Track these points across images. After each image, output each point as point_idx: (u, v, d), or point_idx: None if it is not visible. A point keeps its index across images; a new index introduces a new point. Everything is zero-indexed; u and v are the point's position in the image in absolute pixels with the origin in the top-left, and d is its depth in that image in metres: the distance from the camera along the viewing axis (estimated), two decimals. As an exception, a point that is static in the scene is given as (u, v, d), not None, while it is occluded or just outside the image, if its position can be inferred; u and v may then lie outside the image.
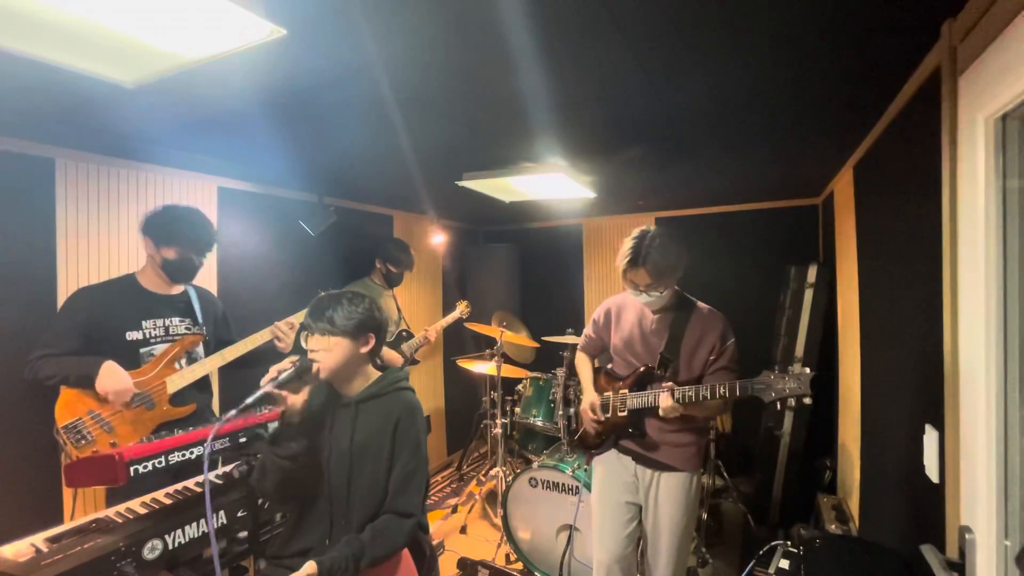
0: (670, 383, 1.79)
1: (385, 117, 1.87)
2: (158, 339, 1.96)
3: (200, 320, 2.09)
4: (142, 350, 1.92)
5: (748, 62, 1.48)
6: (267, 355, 2.20)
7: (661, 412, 1.77)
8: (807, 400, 1.58)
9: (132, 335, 1.91)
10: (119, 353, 1.83)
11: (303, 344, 1.55)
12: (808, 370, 1.60)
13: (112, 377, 1.76)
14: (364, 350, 1.54)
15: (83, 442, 1.72)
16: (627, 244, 1.80)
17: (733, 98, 1.77)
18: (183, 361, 2.00)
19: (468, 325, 3.66)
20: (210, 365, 2.02)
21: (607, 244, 4.57)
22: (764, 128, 2.11)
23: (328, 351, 1.49)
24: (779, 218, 3.90)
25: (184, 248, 1.97)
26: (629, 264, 1.78)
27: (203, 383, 2.07)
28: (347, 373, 1.55)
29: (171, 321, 2.01)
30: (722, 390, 1.68)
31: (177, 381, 1.94)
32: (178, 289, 2.08)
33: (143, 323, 1.94)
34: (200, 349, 2.08)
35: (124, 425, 1.81)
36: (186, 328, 2.05)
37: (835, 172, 2.92)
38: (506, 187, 2.77)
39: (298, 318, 2.22)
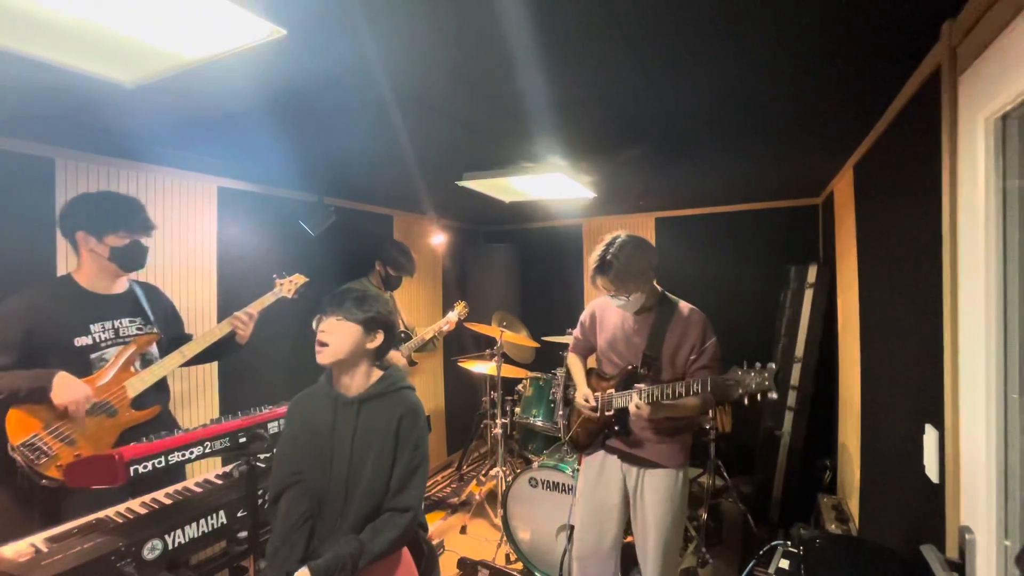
0: (641, 384, 1.81)
1: (385, 117, 1.87)
2: (109, 342, 1.83)
3: (152, 318, 1.97)
4: (93, 356, 1.79)
5: (748, 62, 1.48)
6: (225, 348, 2.13)
7: (631, 414, 1.80)
8: (772, 395, 1.59)
9: (81, 341, 1.76)
10: (68, 361, 1.71)
11: (315, 328, 1.55)
12: (772, 365, 1.61)
13: (68, 388, 1.64)
14: (371, 345, 1.57)
15: (44, 458, 1.62)
16: (596, 251, 1.86)
17: (733, 98, 1.77)
18: (137, 363, 1.88)
19: (468, 325, 3.66)
20: (171, 364, 1.91)
21: (607, 244, 4.56)
22: (764, 128, 2.11)
23: (337, 335, 1.52)
24: (779, 218, 3.90)
25: (131, 230, 1.83)
26: (595, 271, 1.85)
27: (161, 383, 1.96)
28: (350, 364, 1.56)
29: (121, 322, 1.87)
30: (695, 387, 1.70)
31: (137, 384, 1.82)
32: (122, 287, 1.94)
33: (91, 327, 1.79)
34: (154, 349, 1.98)
35: (85, 436, 1.70)
36: (137, 328, 1.92)
37: (835, 172, 2.91)
38: (506, 187, 2.77)
39: (256, 307, 2.18)
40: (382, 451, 1.50)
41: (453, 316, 3.47)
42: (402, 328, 3.39)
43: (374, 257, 3.32)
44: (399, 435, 1.52)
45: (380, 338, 1.59)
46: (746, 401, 1.64)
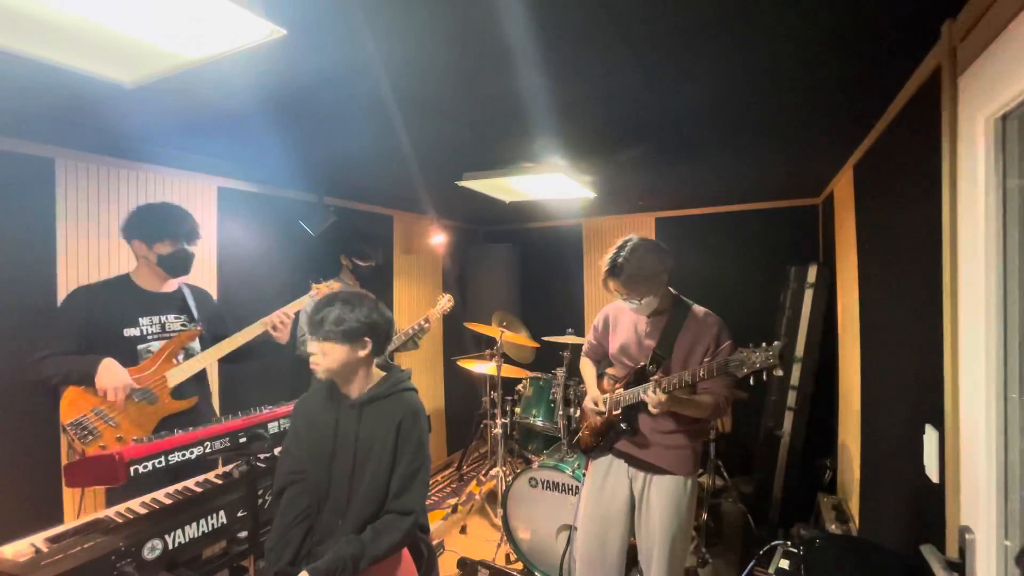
0: (656, 376, 1.80)
1: (385, 117, 1.87)
2: (155, 336, 1.99)
3: (196, 316, 2.11)
4: (140, 347, 1.95)
5: (748, 62, 1.48)
6: (263, 348, 2.21)
7: (651, 407, 1.76)
8: (778, 372, 1.59)
9: (129, 332, 1.93)
10: (117, 350, 1.86)
11: (305, 348, 1.56)
12: (777, 343, 1.61)
13: (110, 374, 1.79)
14: (361, 354, 1.53)
15: (89, 438, 1.75)
16: (607, 254, 1.86)
17: (733, 98, 1.77)
18: (180, 356, 2.02)
19: (468, 325, 3.65)
20: (208, 358, 2.05)
21: (607, 244, 4.49)
22: (764, 128, 2.11)
23: (324, 355, 1.50)
24: (779, 218, 3.90)
25: (177, 239, 2.00)
26: (607, 274, 1.85)
27: (201, 376, 2.10)
28: (346, 374, 1.55)
29: (167, 318, 2.04)
30: (702, 373, 1.69)
31: (177, 375, 1.96)
32: (172, 287, 2.09)
33: (140, 320, 1.96)
34: (196, 344, 2.10)
35: (128, 420, 1.84)
36: (182, 324, 2.07)
37: (835, 172, 2.92)
38: (506, 187, 2.77)
39: (293, 307, 2.23)
40: (383, 453, 1.50)
41: (436, 310, 3.20)
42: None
43: (339, 253, 3.16)
44: (400, 437, 1.52)
45: (369, 345, 1.54)
46: (751, 380, 1.63)
